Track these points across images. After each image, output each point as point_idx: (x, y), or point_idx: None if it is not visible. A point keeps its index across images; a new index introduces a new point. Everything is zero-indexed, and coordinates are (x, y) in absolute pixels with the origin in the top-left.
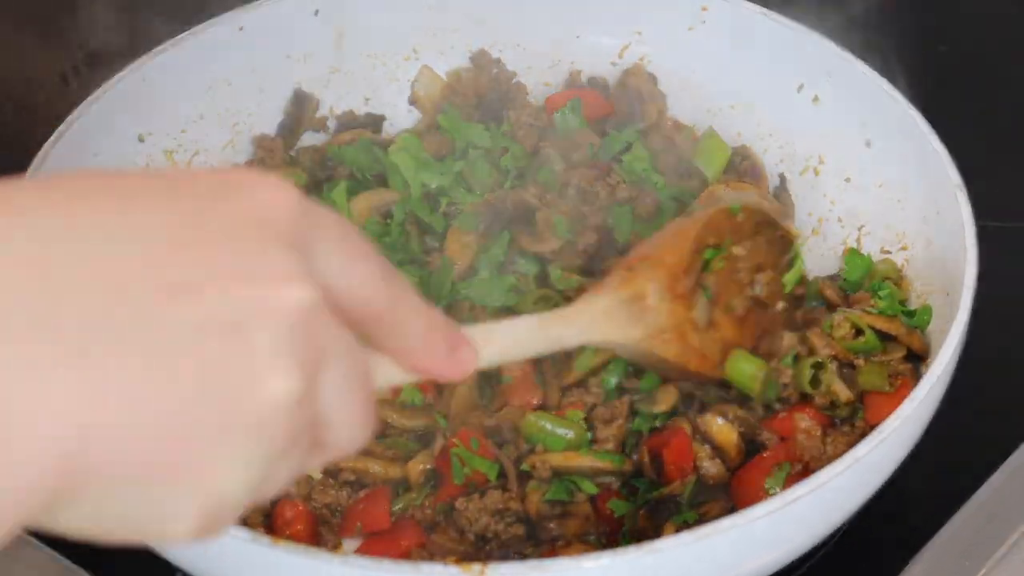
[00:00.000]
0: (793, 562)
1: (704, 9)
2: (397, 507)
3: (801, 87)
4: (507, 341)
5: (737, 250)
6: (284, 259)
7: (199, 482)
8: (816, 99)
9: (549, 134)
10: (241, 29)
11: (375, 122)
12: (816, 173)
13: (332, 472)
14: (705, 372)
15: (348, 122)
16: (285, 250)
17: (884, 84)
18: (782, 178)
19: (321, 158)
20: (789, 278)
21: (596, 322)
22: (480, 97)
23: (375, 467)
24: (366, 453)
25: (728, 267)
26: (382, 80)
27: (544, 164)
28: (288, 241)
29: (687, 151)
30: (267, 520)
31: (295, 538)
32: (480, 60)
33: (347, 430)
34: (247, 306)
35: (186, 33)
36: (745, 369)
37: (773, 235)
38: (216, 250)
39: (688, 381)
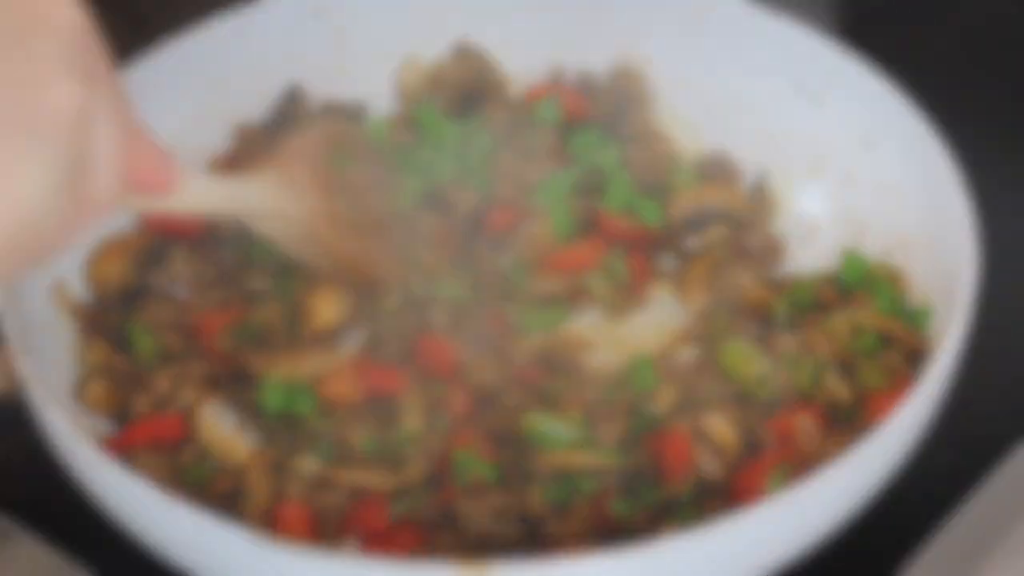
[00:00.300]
0: (793, 562)
1: (704, 9)
2: (397, 508)
3: (801, 87)
4: (200, 188)
5: (350, 171)
6: None
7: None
8: (816, 99)
9: (521, 130)
10: (241, 29)
11: (357, 110)
12: (816, 173)
13: (332, 483)
14: (360, 267)
15: (330, 108)
16: None
17: (884, 84)
18: (763, 180)
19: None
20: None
21: (269, 189)
22: (462, 89)
23: (373, 478)
24: (363, 465)
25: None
26: (383, 79)
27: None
28: None
29: (661, 176)
30: (267, 520)
31: (295, 538)
32: (462, 50)
33: (107, 174)
34: (31, 17)
35: (185, 33)
36: (740, 353)
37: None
38: None
39: (349, 280)
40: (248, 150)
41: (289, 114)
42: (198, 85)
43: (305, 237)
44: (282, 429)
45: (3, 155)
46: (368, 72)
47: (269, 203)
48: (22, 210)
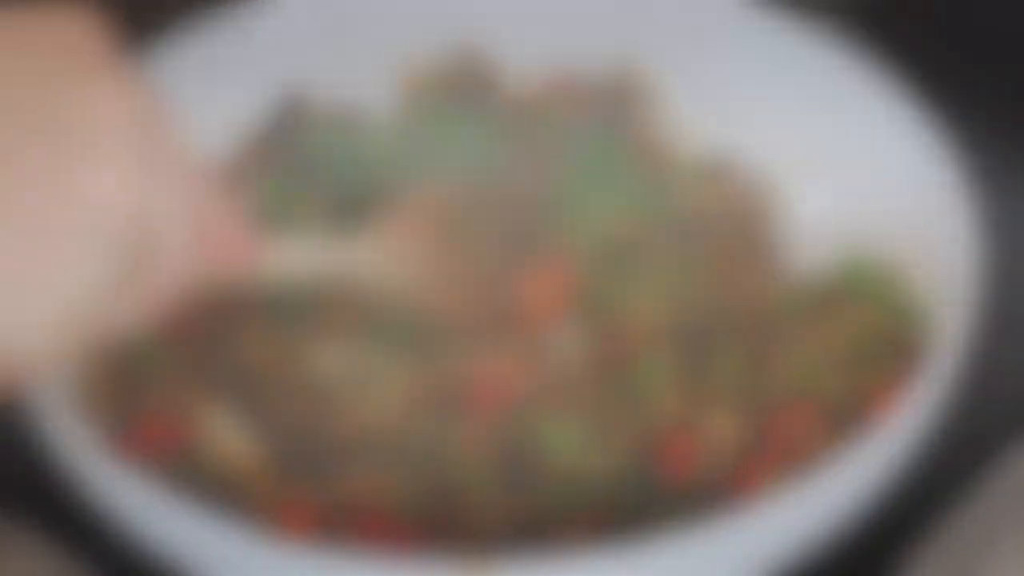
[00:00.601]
0: (793, 562)
1: (705, 9)
2: (398, 508)
3: (802, 87)
4: (286, 255)
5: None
6: (115, 67)
7: (50, 280)
8: (817, 99)
9: (521, 130)
10: (239, 29)
11: (357, 114)
12: (816, 173)
13: (335, 484)
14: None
15: (329, 111)
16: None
17: (884, 84)
18: (763, 180)
19: (294, 162)
20: None
21: (371, 250)
22: (462, 89)
23: (375, 490)
24: (368, 468)
25: None
26: (382, 79)
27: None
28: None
29: (661, 176)
30: (269, 521)
31: (297, 539)
32: (463, 50)
33: (174, 259)
34: (78, 102)
35: (182, 34)
36: (739, 353)
37: None
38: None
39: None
40: (248, 156)
41: (287, 120)
42: (195, 86)
43: (406, 290)
44: (285, 430)
45: (44, 253)
46: (368, 73)
47: (368, 264)
48: (69, 311)
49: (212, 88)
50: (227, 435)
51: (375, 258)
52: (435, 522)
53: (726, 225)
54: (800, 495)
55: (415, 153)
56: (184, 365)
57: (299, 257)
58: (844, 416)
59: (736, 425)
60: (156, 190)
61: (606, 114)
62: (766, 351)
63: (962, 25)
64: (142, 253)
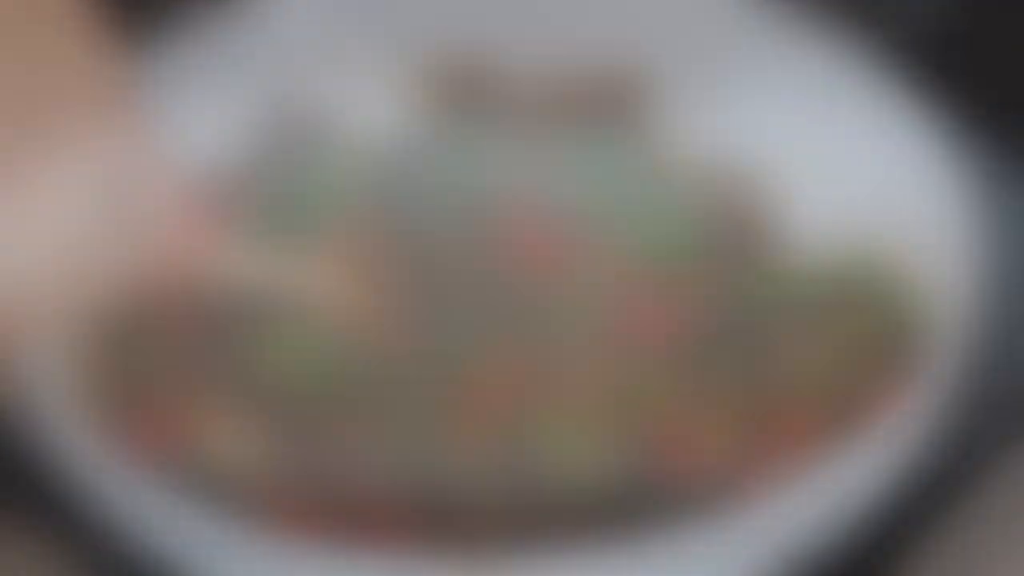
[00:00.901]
0: (791, 562)
1: (706, 11)
2: (398, 509)
3: (802, 87)
4: (232, 260)
5: None
6: None
7: (40, 228)
8: (815, 101)
9: (522, 131)
10: (236, 31)
11: (357, 124)
12: (816, 175)
13: (334, 484)
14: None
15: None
16: None
17: (884, 85)
18: (763, 179)
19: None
20: None
21: (313, 271)
22: (462, 90)
23: (374, 490)
24: (367, 467)
25: None
26: (382, 81)
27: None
28: None
29: (661, 177)
30: (270, 519)
31: (296, 535)
32: (463, 51)
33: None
34: (49, 67)
35: (179, 36)
36: (738, 353)
37: None
38: None
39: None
40: (246, 167)
41: (285, 128)
42: (192, 89)
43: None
44: (285, 431)
45: (29, 206)
46: (367, 75)
47: (310, 287)
48: (59, 259)
49: (209, 93)
50: (227, 435)
51: (312, 277)
52: (435, 522)
53: (726, 226)
54: (800, 495)
55: (417, 157)
56: (184, 365)
57: (250, 264)
58: (844, 416)
59: (736, 425)
60: (130, 157)
61: (607, 117)
62: (765, 351)
63: (962, 26)
64: (123, 216)
